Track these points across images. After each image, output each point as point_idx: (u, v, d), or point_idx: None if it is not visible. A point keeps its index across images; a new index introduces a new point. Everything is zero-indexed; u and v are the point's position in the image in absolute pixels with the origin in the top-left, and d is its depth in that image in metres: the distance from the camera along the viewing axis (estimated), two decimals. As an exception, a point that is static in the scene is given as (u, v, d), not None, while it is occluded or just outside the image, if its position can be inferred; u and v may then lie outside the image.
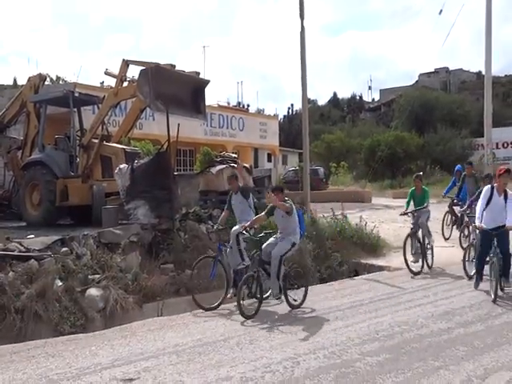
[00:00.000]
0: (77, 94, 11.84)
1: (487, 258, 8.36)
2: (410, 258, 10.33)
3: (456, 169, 14.18)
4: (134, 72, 11.91)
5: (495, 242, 8.09)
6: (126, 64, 11.71)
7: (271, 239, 7.70)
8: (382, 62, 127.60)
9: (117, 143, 11.91)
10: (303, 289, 7.88)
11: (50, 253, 8.05)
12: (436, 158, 39.09)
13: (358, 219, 13.06)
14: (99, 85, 22.81)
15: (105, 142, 11.65)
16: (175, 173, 11.84)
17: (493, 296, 7.81)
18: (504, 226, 8.00)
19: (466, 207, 11.68)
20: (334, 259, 11.42)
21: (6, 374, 5.32)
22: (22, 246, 8.07)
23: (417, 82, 68.64)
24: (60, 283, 7.53)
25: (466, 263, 9.48)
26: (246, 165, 12.98)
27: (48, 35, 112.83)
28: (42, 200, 11.33)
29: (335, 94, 78.72)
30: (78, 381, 5.08)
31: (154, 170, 10.25)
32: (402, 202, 23.82)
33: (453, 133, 41.75)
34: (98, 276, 8.10)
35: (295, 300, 7.62)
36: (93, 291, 7.81)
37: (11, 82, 41.00)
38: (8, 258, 7.60)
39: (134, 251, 8.99)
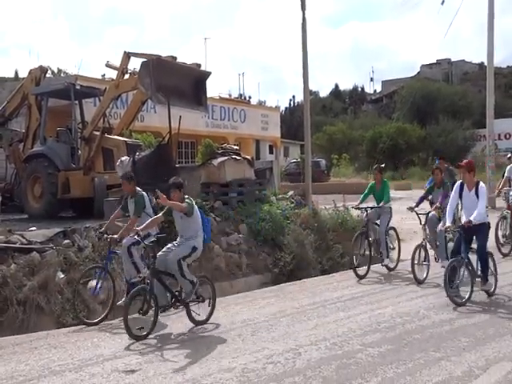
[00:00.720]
0: (78, 87, 11.80)
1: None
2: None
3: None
4: (135, 64, 11.89)
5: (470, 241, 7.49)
6: (127, 56, 11.67)
7: (168, 245, 6.77)
8: (383, 53, 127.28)
9: (118, 135, 11.89)
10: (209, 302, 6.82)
11: (51, 245, 8.05)
12: (438, 150, 39.00)
13: (359, 211, 13.01)
14: (100, 77, 22.72)
15: (106, 135, 11.62)
16: (177, 165, 11.84)
17: (466, 297, 7.19)
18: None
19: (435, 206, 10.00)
20: (335, 251, 11.43)
21: (9, 366, 5.36)
22: (24, 238, 8.07)
23: (418, 73, 68.38)
24: (62, 275, 7.55)
25: (416, 266, 8.59)
26: (247, 157, 12.93)
27: (49, 27, 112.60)
28: (43, 192, 11.34)
29: (337, 86, 78.63)
30: (80, 372, 5.11)
31: (156, 163, 10.24)
32: (404, 193, 23.95)
33: (455, 124, 41.69)
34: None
35: (199, 314, 6.62)
36: (94, 283, 7.82)
37: (12, 75, 40.97)
38: (10, 250, 7.60)
39: (135, 243, 8.97)
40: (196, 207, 6.84)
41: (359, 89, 76.67)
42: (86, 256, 8.16)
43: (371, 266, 9.54)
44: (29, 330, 6.82)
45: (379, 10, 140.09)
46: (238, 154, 12.58)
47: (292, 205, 12.46)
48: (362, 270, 9.38)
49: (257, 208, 11.25)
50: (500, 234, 11.03)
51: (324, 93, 79.09)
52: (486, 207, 7.86)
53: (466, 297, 7.17)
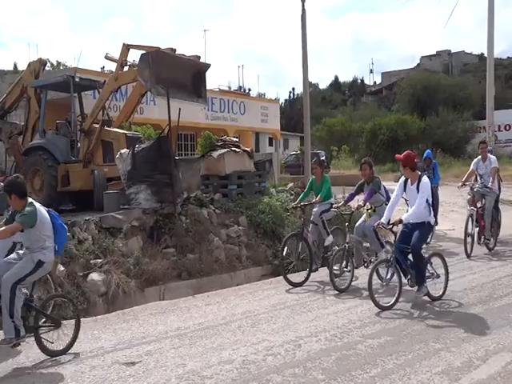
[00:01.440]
0: (77, 79, 11.74)
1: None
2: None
3: (425, 155, 12.29)
4: (134, 56, 11.84)
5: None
6: (126, 48, 11.62)
7: (11, 256, 5.63)
8: (383, 44, 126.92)
9: (118, 128, 11.86)
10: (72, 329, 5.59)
11: (51, 238, 8.05)
12: (437, 141, 38.97)
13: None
14: (100, 69, 22.65)
15: (106, 127, 11.59)
16: (176, 157, 11.81)
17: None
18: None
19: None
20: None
21: (10, 358, 5.37)
22: (24, 231, 8.07)
23: (418, 64, 68.25)
24: (62, 268, 7.56)
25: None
26: (247, 149, 12.91)
27: (47, 18, 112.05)
28: (43, 185, 11.32)
29: (337, 78, 78.56)
30: (80, 364, 5.13)
31: (155, 155, 10.22)
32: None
33: (454, 115, 41.58)
34: (99, 261, 8.12)
35: (52, 342, 5.39)
36: (95, 276, 7.85)
37: (11, 68, 40.80)
38: (10, 243, 7.60)
39: (135, 236, 9.01)
40: (43, 213, 5.66)
41: (359, 81, 76.59)
42: (85, 248, 8.18)
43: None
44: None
45: (379, 1, 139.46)
46: (238, 147, 12.56)
47: (292, 197, 12.46)
48: (296, 277, 8.38)
49: (256, 200, 11.26)
50: (469, 231, 9.99)
51: (324, 85, 79.13)
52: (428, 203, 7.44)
53: (392, 301, 6.65)
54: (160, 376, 4.79)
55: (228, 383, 4.60)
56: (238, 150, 12.29)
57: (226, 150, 12.01)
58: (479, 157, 10.76)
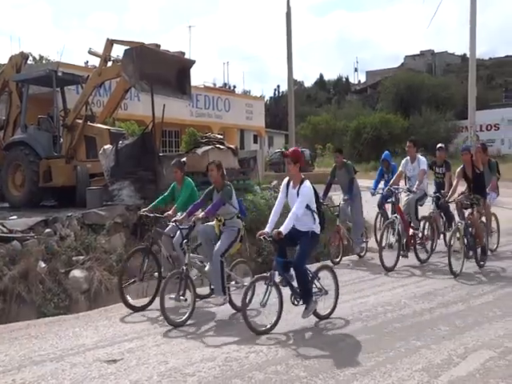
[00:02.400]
0: (60, 74, 11.62)
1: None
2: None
3: (383, 157, 11.04)
4: (118, 52, 11.74)
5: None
6: (110, 43, 11.52)
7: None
8: (368, 43, 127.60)
9: (101, 124, 11.77)
10: None
11: (33, 234, 7.98)
12: (421, 141, 39.22)
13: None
14: (83, 64, 22.44)
15: (89, 123, 11.50)
16: (160, 154, 11.76)
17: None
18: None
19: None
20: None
21: (-10, 356, 5.30)
22: (5, 227, 7.98)
23: (402, 64, 68.74)
24: (43, 265, 7.49)
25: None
26: (231, 146, 12.90)
27: (30, 12, 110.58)
28: (24, 181, 11.19)
29: (322, 76, 78.76)
30: (61, 362, 5.08)
31: (139, 151, 10.16)
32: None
33: (437, 115, 42.04)
34: (82, 257, 8.06)
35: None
36: (77, 273, 7.78)
37: (-8, 61, 40.18)
38: (-10, 239, 7.51)
39: (118, 232, 8.95)
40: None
41: (344, 79, 76.87)
42: (67, 245, 8.10)
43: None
44: (9, 319, 6.76)
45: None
46: (222, 143, 12.54)
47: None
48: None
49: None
50: (384, 243, 8.92)
51: (309, 83, 79.26)
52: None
53: (272, 322, 5.85)
54: (142, 373, 4.76)
55: (210, 380, 4.59)
56: (222, 146, 12.27)
57: (210, 146, 11.99)
58: (408, 157, 9.69)
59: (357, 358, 5.00)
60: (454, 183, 8.97)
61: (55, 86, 11.50)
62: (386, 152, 11.44)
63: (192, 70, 11.67)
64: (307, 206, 5.91)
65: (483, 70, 55.08)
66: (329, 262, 8.81)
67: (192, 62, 11.85)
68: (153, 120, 10.31)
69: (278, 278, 5.94)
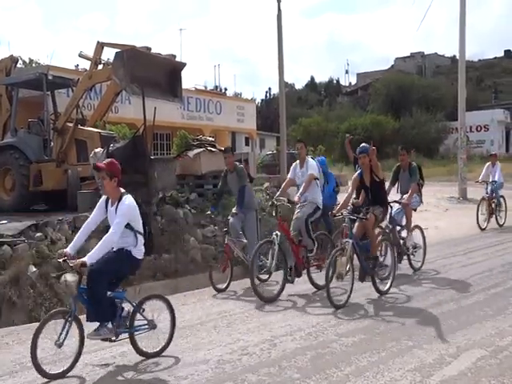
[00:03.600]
0: (50, 77, 11.57)
1: None
2: None
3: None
4: (109, 55, 11.71)
5: None
6: (100, 46, 11.49)
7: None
8: (358, 46, 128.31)
9: (92, 127, 11.73)
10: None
11: (23, 238, 7.92)
12: (411, 142, 39.50)
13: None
14: (74, 67, 22.34)
15: (80, 126, 11.45)
16: (152, 157, 11.73)
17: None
18: None
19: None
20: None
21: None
22: (-5, 231, 7.92)
23: (393, 66, 69.12)
24: (34, 269, 7.43)
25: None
26: (223, 148, 12.89)
27: (19, 15, 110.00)
28: (14, 185, 11.12)
29: (312, 78, 79.02)
30: (52, 366, 5.05)
31: (130, 154, 10.11)
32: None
33: (428, 116, 42.30)
34: (73, 261, 8.00)
35: None
36: (68, 277, 7.71)
37: (-18, 65, 39.90)
38: (-20, 244, 7.45)
39: (110, 236, 8.90)
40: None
41: (335, 81, 77.14)
42: (59, 249, 8.04)
43: None
44: (0, 324, 6.71)
45: (355, 2, 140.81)
46: (214, 146, 12.55)
47: (268, 196, 12.48)
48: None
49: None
50: (255, 265, 7.41)
51: (300, 85, 79.40)
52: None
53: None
54: (132, 374, 4.75)
55: (203, 383, 4.59)
56: (213, 149, 12.27)
57: (201, 149, 11.99)
58: (298, 160, 8.27)
59: (349, 358, 5.01)
60: (348, 192, 7.41)
61: (45, 90, 11.44)
62: (322, 158, 9.86)
63: (183, 73, 11.65)
64: (128, 226, 5.08)
65: (473, 72, 55.53)
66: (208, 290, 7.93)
67: (183, 65, 11.84)
68: (144, 123, 10.28)
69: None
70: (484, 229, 13.09)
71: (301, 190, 7.71)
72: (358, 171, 7.49)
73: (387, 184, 8.60)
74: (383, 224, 8.27)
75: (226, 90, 49.14)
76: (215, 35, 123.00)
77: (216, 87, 45.02)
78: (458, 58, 21.82)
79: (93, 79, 11.46)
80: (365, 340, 5.54)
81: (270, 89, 65.37)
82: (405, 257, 8.79)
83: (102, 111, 12.13)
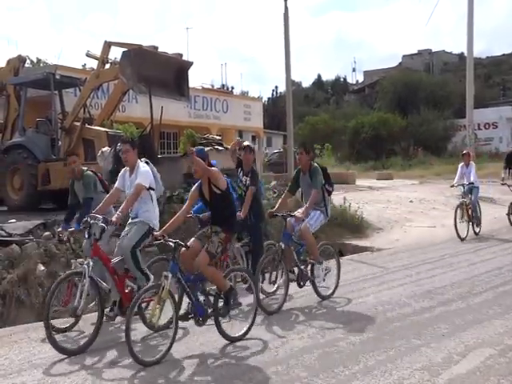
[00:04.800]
0: (58, 77, 11.63)
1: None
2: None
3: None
4: (116, 54, 11.76)
5: None
6: (108, 46, 11.55)
7: None
8: (365, 43, 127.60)
9: (99, 126, 11.77)
10: None
11: (31, 237, 7.98)
12: (419, 139, 39.39)
13: (342, 200, 13.12)
14: (81, 67, 22.44)
15: (87, 125, 11.51)
16: (159, 155, 11.77)
17: None
18: None
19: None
20: (318, 240, 11.45)
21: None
22: (3, 230, 7.98)
23: (400, 63, 68.76)
24: (42, 268, 7.48)
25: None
26: (229, 147, 12.91)
27: (27, 15, 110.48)
28: (23, 184, 11.19)
29: (319, 76, 78.74)
30: (62, 364, 5.07)
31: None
32: (386, 183, 24.13)
33: (435, 114, 42.03)
34: (80, 260, 8.03)
35: None
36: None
37: (-10, 65, 40.11)
38: (-11, 243, 7.50)
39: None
40: None
41: (341, 79, 76.88)
42: (67, 248, 8.09)
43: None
44: (8, 323, 6.75)
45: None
46: (221, 145, 12.58)
47: (275, 195, 12.48)
48: None
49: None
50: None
51: (307, 83, 79.16)
52: None
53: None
54: (140, 374, 4.76)
55: (210, 381, 4.59)
56: (220, 148, 12.29)
57: (208, 148, 12.00)
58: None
59: (357, 357, 5.00)
60: (185, 205, 5.71)
61: (53, 89, 11.50)
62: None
63: (190, 72, 11.69)
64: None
65: (481, 69, 55.11)
66: None
67: (190, 64, 11.86)
68: (151, 122, 10.33)
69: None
70: (464, 238, 11.49)
71: (122, 206, 5.89)
72: (199, 181, 5.63)
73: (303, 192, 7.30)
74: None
75: (232, 88, 49.21)
76: (222, 34, 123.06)
77: (223, 86, 45.05)
78: (465, 55, 21.70)
79: (100, 78, 11.51)
80: (372, 339, 5.52)
81: (276, 87, 65.24)
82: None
83: (110, 110, 12.18)
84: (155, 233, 5.52)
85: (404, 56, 71.28)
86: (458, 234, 11.46)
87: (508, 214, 13.17)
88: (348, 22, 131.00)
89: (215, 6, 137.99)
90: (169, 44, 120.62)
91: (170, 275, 5.07)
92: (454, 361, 4.87)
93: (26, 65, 15.25)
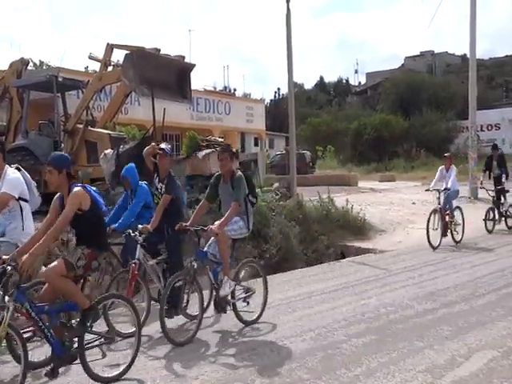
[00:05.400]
0: (60, 79, 11.68)
1: None
2: None
3: (123, 173, 6.94)
4: (118, 56, 11.80)
5: None
6: (110, 48, 11.59)
7: None
8: (368, 45, 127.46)
9: (102, 128, 11.81)
10: None
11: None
12: (422, 141, 39.36)
13: (344, 202, 13.13)
14: (84, 69, 22.50)
15: (90, 127, 11.55)
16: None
17: None
18: None
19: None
20: (320, 242, 11.49)
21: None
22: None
23: (403, 65, 68.72)
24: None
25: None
26: (232, 149, 12.93)
27: (30, 16, 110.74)
28: (26, 186, 11.21)
29: (322, 78, 78.62)
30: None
31: (140, 155, 10.16)
32: (389, 184, 24.12)
33: (438, 115, 42.01)
34: (84, 262, 8.04)
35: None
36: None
37: (-7, 67, 40.23)
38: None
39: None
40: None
41: (344, 81, 76.84)
42: (69, 251, 8.09)
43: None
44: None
45: (364, 0, 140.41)
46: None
47: (277, 197, 12.49)
48: None
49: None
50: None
51: (309, 85, 79.09)
52: None
53: None
54: (145, 377, 4.76)
55: (213, 383, 4.59)
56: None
57: (211, 150, 12.03)
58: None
59: (360, 359, 4.99)
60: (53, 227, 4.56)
61: (56, 92, 11.54)
62: (130, 165, 6.96)
63: (192, 74, 11.72)
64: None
65: (483, 70, 55.02)
66: None
67: (192, 66, 11.89)
68: (153, 124, 10.35)
69: None
70: (436, 247, 10.67)
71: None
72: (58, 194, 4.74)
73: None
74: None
75: (235, 90, 49.25)
76: (224, 35, 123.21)
77: (225, 88, 45.10)
78: (468, 56, 21.67)
79: (103, 81, 11.55)
80: (375, 341, 5.51)
81: (279, 89, 65.25)
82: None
83: (112, 112, 12.21)
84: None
85: (406, 57, 71.21)
86: (429, 243, 10.61)
87: (485, 220, 12.52)
88: (350, 24, 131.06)
89: (217, 7, 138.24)
90: (171, 46, 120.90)
91: (10, 306, 4.07)
92: (456, 363, 4.86)
93: (29, 67, 15.31)
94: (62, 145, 11.71)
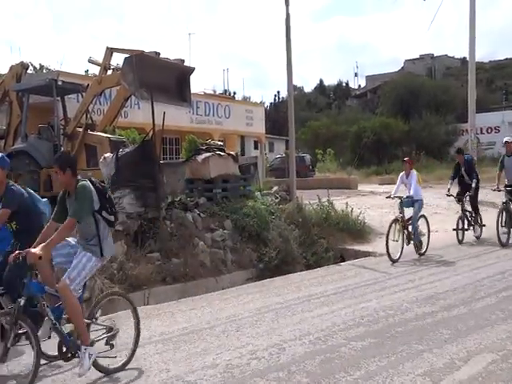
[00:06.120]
0: (60, 83, 11.69)
1: None
2: None
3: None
4: (118, 60, 11.81)
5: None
6: (110, 52, 11.61)
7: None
8: (367, 48, 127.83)
9: (101, 132, 11.81)
10: None
11: (34, 243, 7.96)
12: (421, 144, 39.34)
13: (344, 205, 13.13)
14: (83, 73, 22.54)
15: (89, 131, 11.55)
16: (161, 161, 11.78)
17: None
18: None
19: None
20: (319, 245, 11.49)
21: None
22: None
23: (402, 68, 68.87)
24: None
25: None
26: (232, 152, 12.93)
27: (30, 21, 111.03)
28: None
29: (321, 81, 78.78)
30: (60, 371, 5.07)
31: (140, 159, 10.18)
32: (389, 188, 24.08)
33: (438, 118, 42.05)
34: (83, 265, 8.04)
35: None
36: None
37: (-7, 71, 40.27)
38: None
39: (119, 240, 8.94)
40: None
41: (344, 84, 76.97)
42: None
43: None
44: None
45: (364, 4, 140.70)
46: (223, 150, 12.58)
47: (277, 200, 12.49)
48: None
49: (241, 204, 11.27)
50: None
51: (309, 88, 79.31)
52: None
53: None
54: (143, 382, 4.76)
55: (212, 388, 4.59)
56: (222, 153, 12.31)
57: (210, 153, 12.03)
58: None
59: (359, 362, 4.99)
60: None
61: (55, 95, 11.55)
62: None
63: (192, 77, 11.72)
64: None
65: (483, 73, 55.16)
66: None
67: (192, 69, 11.89)
68: (153, 128, 10.34)
69: None
70: (396, 260, 9.86)
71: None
72: None
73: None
74: None
75: (234, 93, 49.35)
76: (224, 39, 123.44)
77: (225, 91, 45.19)
78: (468, 59, 21.72)
79: (102, 84, 11.56)
80: (374, 344, 5.51)
81: (278, 92, 65.38)
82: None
83: (112, 116, 12.22)
84: None
85: (406, 60, 71.38)
86: (388, 255, 9.82)
87: (456, 230, 11.70)
88: (350, 27, 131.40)
89: (217, 11, 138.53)
90: (171, 49, 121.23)
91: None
92: (455, 366, 4.85)
93: (29, 71, 15.34)
94: (62, 148, 11.71)
